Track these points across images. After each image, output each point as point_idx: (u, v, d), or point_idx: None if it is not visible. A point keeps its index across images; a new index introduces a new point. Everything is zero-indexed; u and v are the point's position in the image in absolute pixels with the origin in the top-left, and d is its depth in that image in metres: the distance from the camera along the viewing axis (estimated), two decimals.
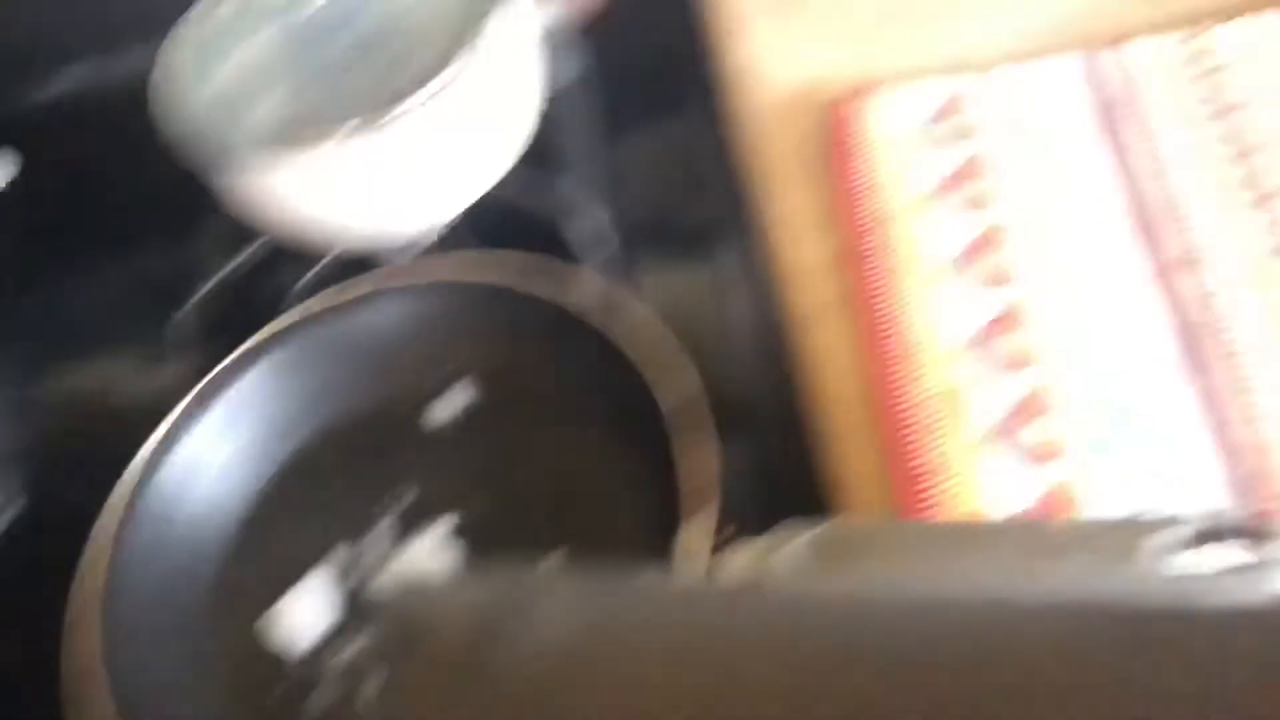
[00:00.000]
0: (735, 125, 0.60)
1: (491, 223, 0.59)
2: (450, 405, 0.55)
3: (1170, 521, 0.30)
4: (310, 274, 0.61)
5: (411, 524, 0.51)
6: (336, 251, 0.60)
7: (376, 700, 0.16)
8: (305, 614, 0.49)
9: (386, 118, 0.51)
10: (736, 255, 0.58)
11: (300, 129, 0.52)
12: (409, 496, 0.52)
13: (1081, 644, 0.16)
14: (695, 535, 0.41)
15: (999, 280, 0.51)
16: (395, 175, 0.55)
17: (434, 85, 0.52)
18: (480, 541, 0.50)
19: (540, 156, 0.59)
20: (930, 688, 0.16)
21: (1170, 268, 0.49)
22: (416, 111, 0.52)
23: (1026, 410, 0.47)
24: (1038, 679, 0.16)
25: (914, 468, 0.46)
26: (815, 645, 0.16)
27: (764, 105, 0.60)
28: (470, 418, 0.55)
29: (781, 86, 0.60)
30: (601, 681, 0.16)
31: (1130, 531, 0.30)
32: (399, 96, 0.51)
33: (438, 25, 0.55)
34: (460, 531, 0.51)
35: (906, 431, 0.47)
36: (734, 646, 0.16)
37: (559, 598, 0.17)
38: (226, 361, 0.55)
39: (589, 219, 0.59)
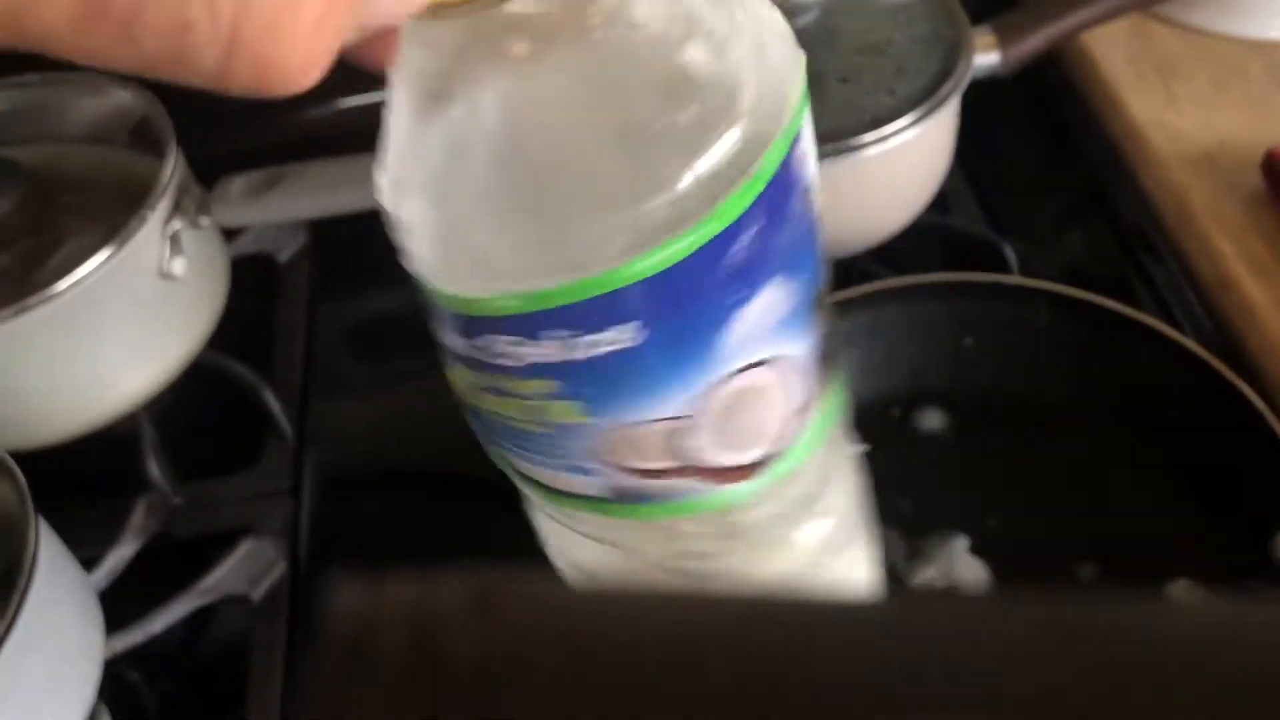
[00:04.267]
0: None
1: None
2: (938, 411, 0.54)
3: None
4: None
5: (916, 536, 0.49)
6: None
7: (318, 711, 0.15)
8: None
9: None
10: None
11: None
12: (906, 506, 0.50)
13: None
14: None
15: None
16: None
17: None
18: (1000, 559, 0.48)
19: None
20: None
21: None
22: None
23: None
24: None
25: None
26: (772, 647, 0.16)
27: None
28: (964, 423, 0.53)
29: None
30: (553, 683, 0.15)
31: None
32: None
33: None
34: (976, 549, 0.49)
35: None
36: (699, 651, 0.16)
37: (507, 599, 0.16)
38: None
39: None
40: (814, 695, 0.15)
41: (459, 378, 0.31)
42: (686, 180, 0.25)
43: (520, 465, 0.32)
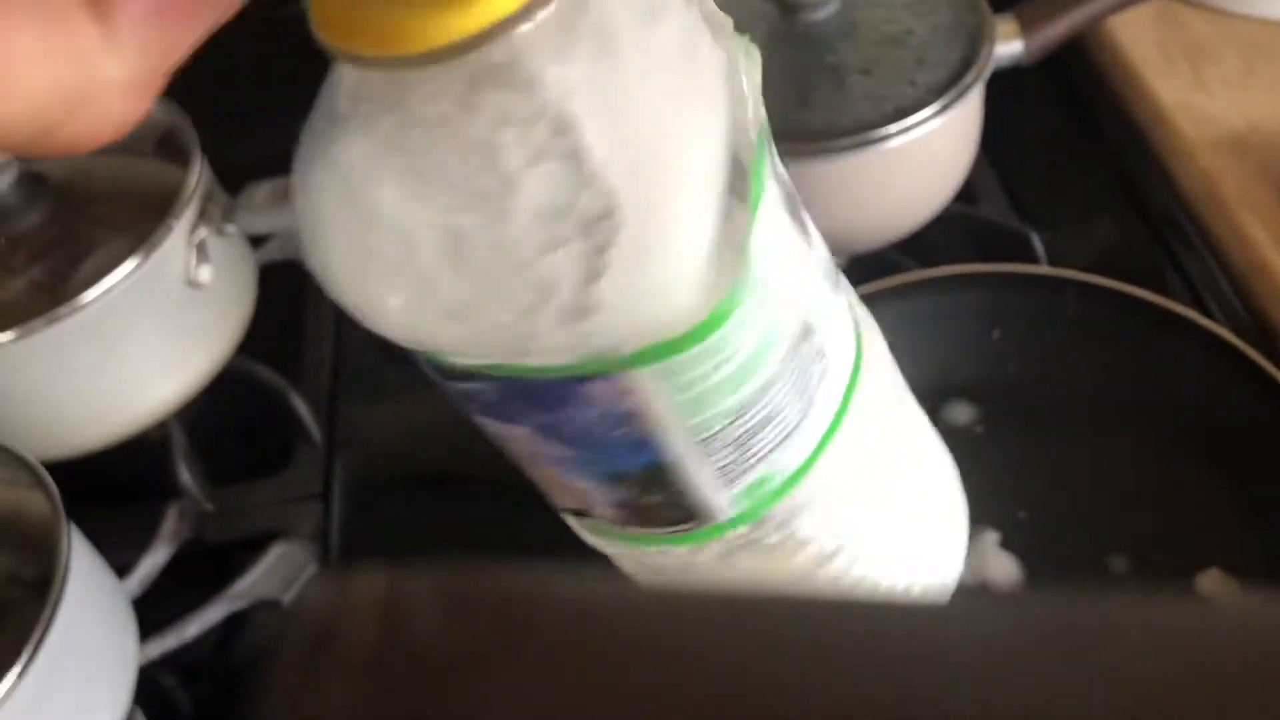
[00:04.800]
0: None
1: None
2: (966, 404, 0.54)
3: None
4: None
5: None
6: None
7: (283, 703, 0.15)
8: None
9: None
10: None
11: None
12: None
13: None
14: None
15: None
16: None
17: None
18: (1031, 553, 0.48)
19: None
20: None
21: None
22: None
23: None
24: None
25: None
26: (743, 640, 0.16)
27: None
28: (992, 416, 0.53)
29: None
30: (521, 676, 0.15)
31: None
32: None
33: None
34: (1006, 543, 0.48)
35: None
36: (656, 642, 0.15)
37: (478, 592, 0.16)
38: None
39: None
40: (793, 693, 0.14)
41: None
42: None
43: None
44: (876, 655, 0.15)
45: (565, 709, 0.14)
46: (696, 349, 0.24)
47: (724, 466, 0.27)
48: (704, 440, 0.26)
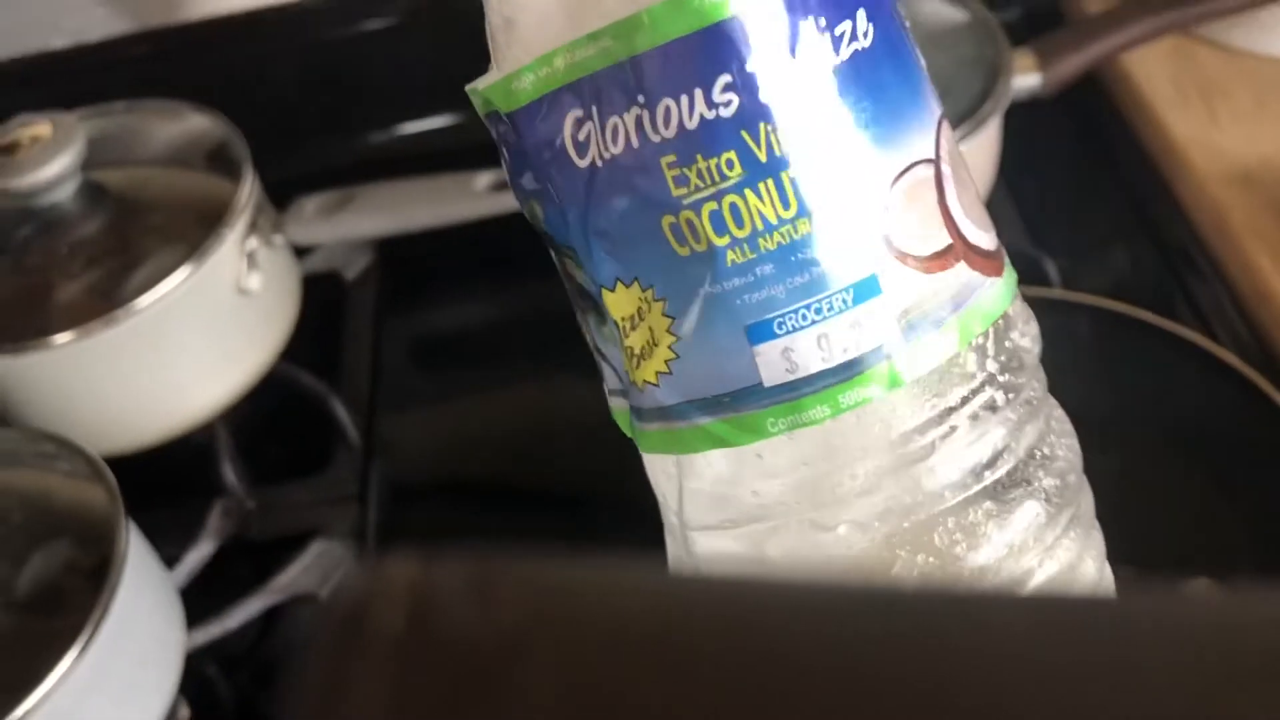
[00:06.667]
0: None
1: None
2: None
3: None
4: None
5: None
6: None
7: (311, 687, 0.15)
8: None
9: None
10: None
11: None
12: None
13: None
14: None
15: None
16: None
17: None
18: None
19: None
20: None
21: None
22: None
23: None
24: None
25: None
26: (772, 627, 0.16)
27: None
28: None
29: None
30: (551, 664, 0.15)
31: None
32: None
33: None
34: None
35: None
36: (700, 633, 0.16)
37: (505, 581, 0.16)
38: None
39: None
40: (811, 683, 0.15)
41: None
42: None
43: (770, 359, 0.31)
44: (922, 654, 0.15)
45: (598, 702, 0.14)
46: None
47: None
48: None
